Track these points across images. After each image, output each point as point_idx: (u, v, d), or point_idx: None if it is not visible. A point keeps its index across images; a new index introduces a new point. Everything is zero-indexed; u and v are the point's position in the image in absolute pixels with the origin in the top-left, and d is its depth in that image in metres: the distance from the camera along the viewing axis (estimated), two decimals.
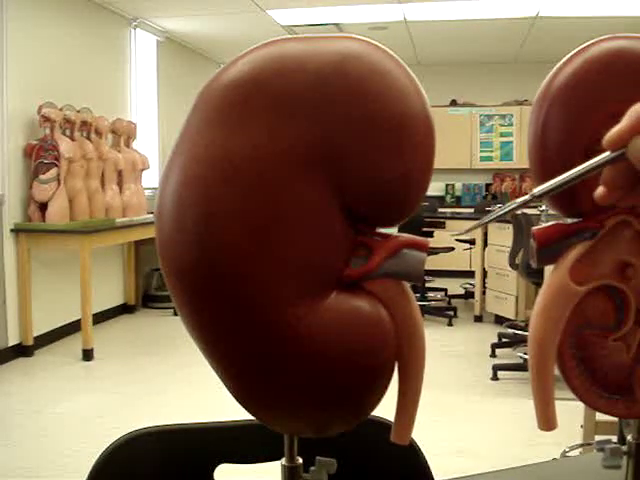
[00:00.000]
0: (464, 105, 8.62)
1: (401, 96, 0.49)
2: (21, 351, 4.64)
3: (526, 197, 0.46)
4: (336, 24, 6.52)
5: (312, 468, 0.59)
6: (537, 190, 0.46)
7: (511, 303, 5.36)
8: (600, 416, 2.63)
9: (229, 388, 0.52)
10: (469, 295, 6.57)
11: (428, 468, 0.86)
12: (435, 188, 8.69)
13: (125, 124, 5.65)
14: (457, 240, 6.69)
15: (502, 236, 5.38)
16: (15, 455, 3.07)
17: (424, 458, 0.86)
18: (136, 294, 6.25)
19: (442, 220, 6.21)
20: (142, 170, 5.85)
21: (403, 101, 0.49)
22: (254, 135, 0.48)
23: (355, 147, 0.48)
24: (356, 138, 0.48)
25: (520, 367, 4.17)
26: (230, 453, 0.83)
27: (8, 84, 4.53)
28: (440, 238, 6.11)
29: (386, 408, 0.56)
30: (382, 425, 0.77)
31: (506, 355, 4.69)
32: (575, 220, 0.50)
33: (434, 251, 5.72)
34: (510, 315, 5.35)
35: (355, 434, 0.59)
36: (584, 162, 0.44)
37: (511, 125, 8.46)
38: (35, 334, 4.73)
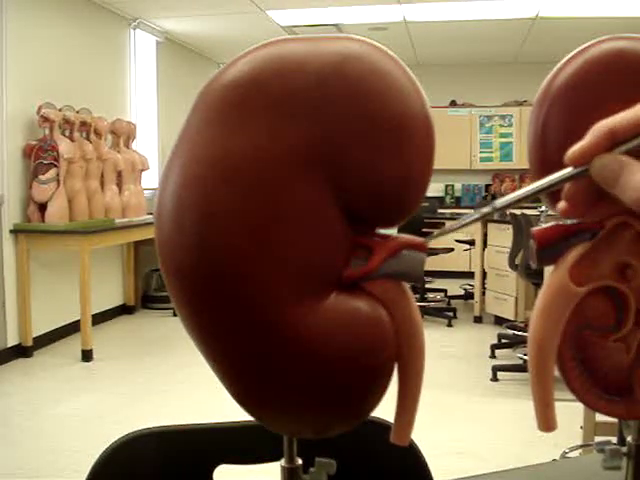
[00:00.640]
0: (464, 106, 8.62)
1: (401, 96, 0.49)
2: (20, 352, 4.63)
3: (487, 208, 0.47)
4: (336, 25, 6.53)
5: (311, 469, 0.59)
6: (499, 202, 0.47)
7: (511, 304, 5.37)
8: (600, 417, 2.63)
9: (228, 389, 0.52)
10: (469, 296, 6.58)
11: (428, 469, 0.86)
12: (435, 189, 8.70)
13: (125, 125, 5.65)
14: (457, 241, 6.70)
15: (502, 237, 5.38)
16: (15, 455, 3.07)
17: (424, 459, 0.86)
18: (135, 295, 6.25)
19: (442, 221, 6.22)
20: (142, 171, 5.85)
21: (403, 101, 0.49)
22: (254, 135, 0.48)
23: (355, 147, 0.48)
24: (356, 138, 0.48)
25: (520, 368, 4.18)
26: (229, 454, 0.83)
27: (8, 84, 4.53)
28: (440, 239, 6.09)
29: (385, 409, 0.56)
30: (382, 426, 0.77)
31: (506, 356, 4.69)
32: (575, 221, 0.50)
33: (434, 252, 5.73)
34: (510, 316, 5.35)
35: (355, 435, 0.59)
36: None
37: (511, 126, 8.46)
38: (34, 335, 4.73)
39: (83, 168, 4.92)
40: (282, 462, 0.58)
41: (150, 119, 6.71)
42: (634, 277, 0.49)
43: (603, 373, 0.51)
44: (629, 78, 0.51)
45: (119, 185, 5.50)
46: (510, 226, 4.88)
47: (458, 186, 8.84)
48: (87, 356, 4.61)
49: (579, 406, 0.60)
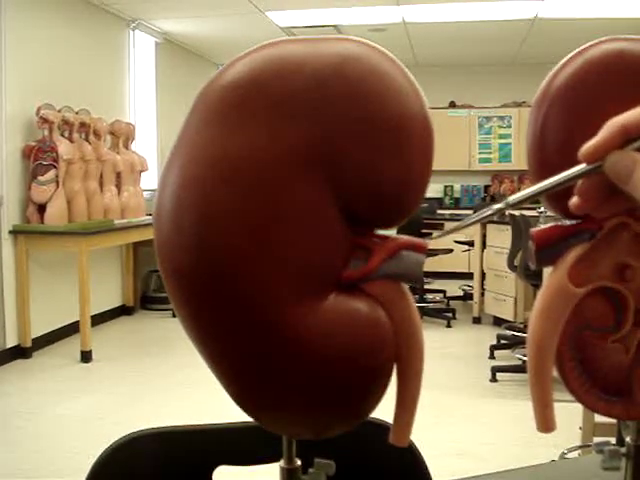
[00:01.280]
0: (463, 107, 8.63)
1: (400, 97, 0.49)
2: (19, 353, 4.63)
3: (500, 205, 0.47)
4: (335, 26, 6.53)
5: (311, 470, 0.59)
6: (511, 199, 0.47)
7: (510, 305, 5.36)
8: (599, 418, 2.63)
9: (227, 389, 0.52)
10: (468, 297, 6.57)
11: (427, 470, 0.86)
12: (434, 190, 8.70)
13: (124, 125, 5.64)
14: (456, 242, 6.70)
15: (501, 238, 5.38)
16: (14, 456, 3.07)
17: (423, 460, 0.86)
18: (134, 296, 6.24)
19: (441, 222, 6.22)
20: (141, 172, 5.84)
21: (402, 102, 0.49)
22: (253, 136, 0.48)
23: (354, 148, 0.48)
24: (355, 139, 0.48)
25: (519, 369, 4.17)
26: (229, 455, 0.83)
27: (7, 85, 4.53)
28: (439, 240, 6.10)
29: (385, 410, 0.56)
30: (381, 427, 0.77)
31: (505, 357, 4.69)
32: (574, 221, 0.50)
33: (433, 253, 5.73)
34: (509, 317, 5.35)
35: (354, 436, 0.59)
36: (582, 163, 0.45)
37: (510, 127, 8.47)
38: (33, 336, 4.73)
39: (82, 169, 4.91)
40: (281, 463, 0.58)
41: (149, 120, 6.71)
42: (633, 278, 0.49)
43: (602, 374, 0.51)
44: (628, 79, 0.51)
45: (118, 186, 5.49)
46: (509, 227, 4.88)
47: (457, 187, 8.84)
48: (86, 357, 4.61)
49: (578, 407, 0.60)
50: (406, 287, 0.51)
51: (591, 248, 0.49)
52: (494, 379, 4.22)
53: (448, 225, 6.03)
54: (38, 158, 4.60)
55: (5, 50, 4.49)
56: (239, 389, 0.51)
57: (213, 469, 0.82)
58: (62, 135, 4.76)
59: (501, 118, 8.48)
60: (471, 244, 6.22)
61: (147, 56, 6.64)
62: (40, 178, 4.58)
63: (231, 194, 0.47)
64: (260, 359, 0.49)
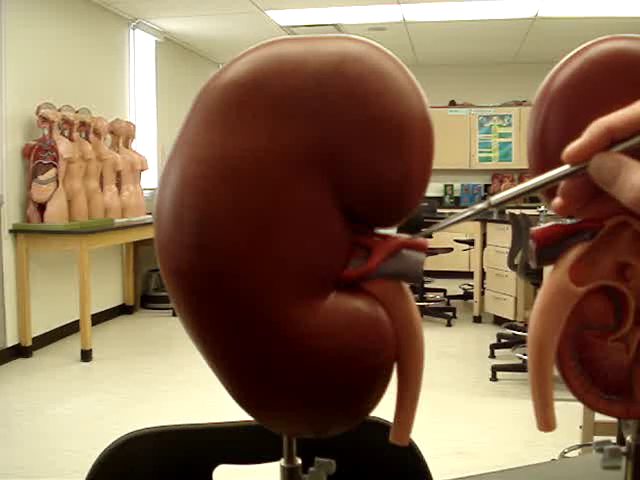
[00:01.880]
0: (463, 106, 8.63)
1: (400, 97, 0.49)
2: (20, 352, 4.63)
3: (483, 205, 0.47)
4: (335, 25, 6.52)
5: (311, 469, 0.59)
6: (494, 199, 0.47)
7: (510, 304, 5.37)
8: (599, 417, 2.63)
9: (227, 388, 0.52)
10: (468, 296, 6.58)
11: (427, 469, 0.86)
12: (434, 189, 8.70)
13: (124, 125, 5.64)
14: (456, 241, 6.70)
15: (501, 237, 5.38)
16: (14, 455, 3.07)
17: (423, 459, 0.86)
18: (135, 295, 6.24)
19: (441, 221, 6.21)
20: (141, 171, 5.84)
21: (402, 102, 0.49)
22: (253, 135, 0.48)
23: (354, 147, 0.48)
24: (355, 138, 0.48)
25: (519, 368, 4.18)
26: (229, 454, 0.83)
27: (7, 85, 4.52)
28: (439, 239, 6.11)
29: (385, 409, 0.56)
30: (381, 426, 0.77)
31: (505, 356, 4.69)
32: (574, 220, 0.50)
33: (433, 252, 5.73)
34: (509, 316, 5.35)
35: (354, 435, 0.59)
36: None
37: (510, 126, 8.47)
38: (33, 335, 4.73)
39: (82, 168, 4.91)
40: (281, 462, 0.58)
41: (149, 119, 6.71)
42: (633, 277, 0.49)
43: (603, 373, 0.51)
44: (629, 78, 0.51)
45: (118, 185, 5.50)
46: (509, 226, 4.88)
47: (457, 186, 8.85)
48: (86, 356, 4.61)
49: (578, 406, 0.60)
50: (406, 286, 0.51)
51: (592, 247, 0.49)
52: (494, 378, 4.22)
53: (443, 221, 6.03)
54: (38, 157, 4.60)
55: (5, 49, 4.49)
56: (239, 388, 0.51)
57: (213, 468, 0.82)
58: (62, 134, 4.77)
59: (501, 117, 8.48)
60: (471, 243, 6.22)
61: (147, 55, 6.64)
62: (40, 177, 4.59)
63: (231, 194, 0.47)
64: (260, 358, 0.49)
